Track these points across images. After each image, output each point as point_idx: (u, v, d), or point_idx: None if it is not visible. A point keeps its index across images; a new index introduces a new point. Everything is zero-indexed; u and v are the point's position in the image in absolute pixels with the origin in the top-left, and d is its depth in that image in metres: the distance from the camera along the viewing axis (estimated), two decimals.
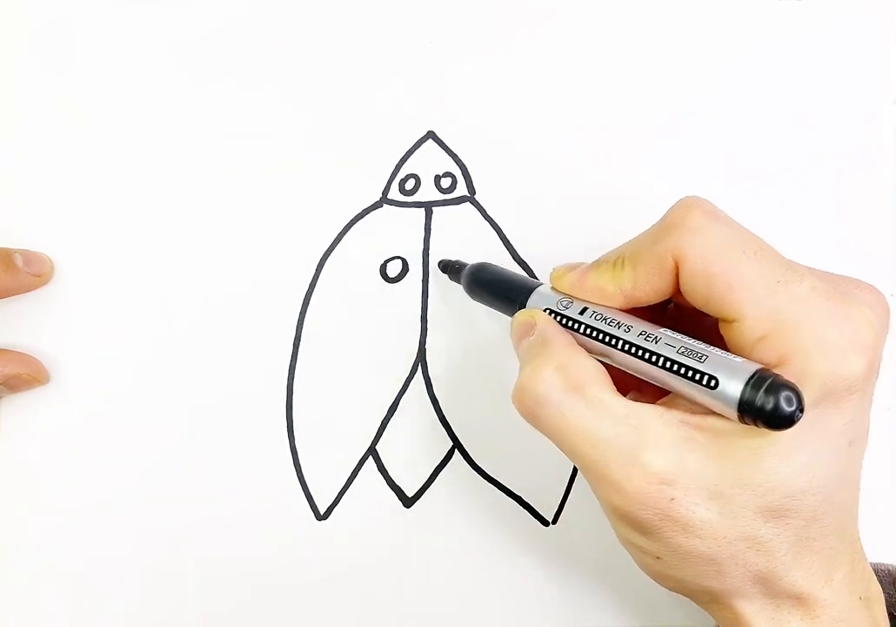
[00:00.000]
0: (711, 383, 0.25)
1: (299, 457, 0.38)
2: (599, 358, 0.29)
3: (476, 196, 0.39)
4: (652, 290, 0.28)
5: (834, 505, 0.27)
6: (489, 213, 0.39)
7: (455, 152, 0.39)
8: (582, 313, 0.30)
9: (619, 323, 0.28)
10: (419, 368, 0.39)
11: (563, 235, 0.39)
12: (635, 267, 0.28)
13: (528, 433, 0.38)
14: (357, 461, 0.39)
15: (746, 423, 0.25)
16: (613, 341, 0.28)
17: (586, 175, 0.39)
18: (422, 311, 0.39)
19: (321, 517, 0.38)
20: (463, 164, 0.39)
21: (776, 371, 0.25)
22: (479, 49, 0.39)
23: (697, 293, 0.27)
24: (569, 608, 0.38)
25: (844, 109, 0.39)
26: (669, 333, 0.27)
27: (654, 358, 0.27)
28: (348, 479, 0.39)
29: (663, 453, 0.26)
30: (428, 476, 0.39)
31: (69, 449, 0.38)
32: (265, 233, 0.39)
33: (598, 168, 0.39)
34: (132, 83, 0.39)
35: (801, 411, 0.24)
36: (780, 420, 0.24)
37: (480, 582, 0.38)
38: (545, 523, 0.38)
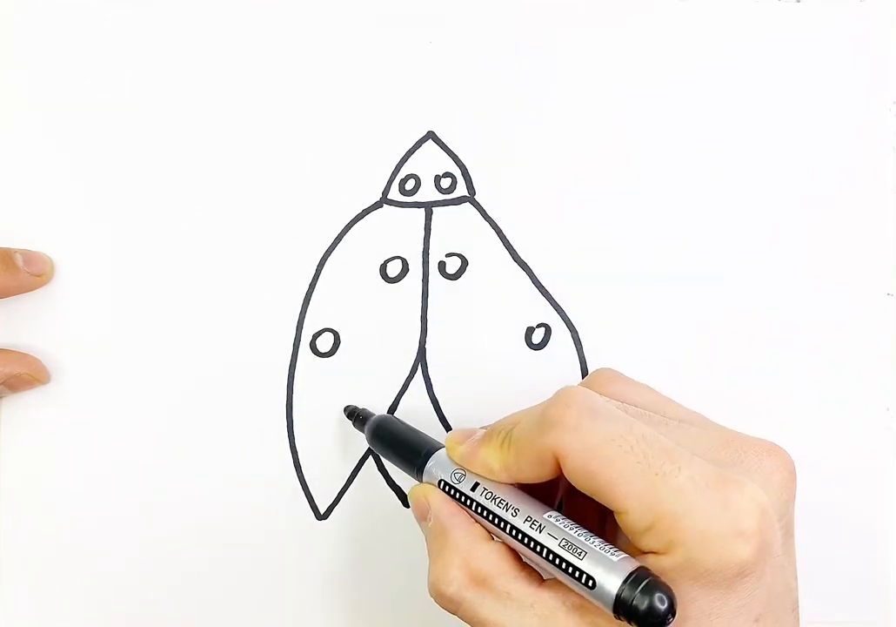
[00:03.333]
0: (589, 583, 0.26)
1: (299, 457, 0.39)
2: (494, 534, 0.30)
3: (476, 196, 0.39)
4: (535, 476, 0.29)
5: None
6: (489, 213, 0.39)
7: (455, 152, 0.39)
8: (474, 488, 0.30)
9: (507, 505, 0.29)
10: (419, 368, 0.39)
11: (563, 235, 0.39)
12: (518, 453, 0.29)
13: None
14: (357, 461, 0.39)
15: (621, 620, 0.25)
16: (501, 524, 0.29)
17: (586, 175, 0.39)
18: (422, 311, 0.39)
19: (321, 517, 0.38)
20: (463, 164, 0.39)
21: (663, 559, 0.26)
22: (479, 49, 0.39)
23: (581, 486, 0.27)
24: None
25: (845, 110, 0.39)
26: (555, 519, 0.28)
27: (537, 548, 0.27)
28: (348, 479, 0.39)
29: None
30: None
31: (69, 449, 0.38)
32: (265, 233, 0.39)
33: (598, 168, 0.39)
34: (131, 83, 0.39)
35: (673, 614, 0.25)
36: (652, 622, 0.24)
37: None
38: None
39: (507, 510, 0.29)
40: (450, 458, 0.31)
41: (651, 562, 0.26)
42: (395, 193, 0.39)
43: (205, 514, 0.38)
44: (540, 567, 0.28)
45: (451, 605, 0.29)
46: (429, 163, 0.39)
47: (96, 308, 0.39)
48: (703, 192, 0.39)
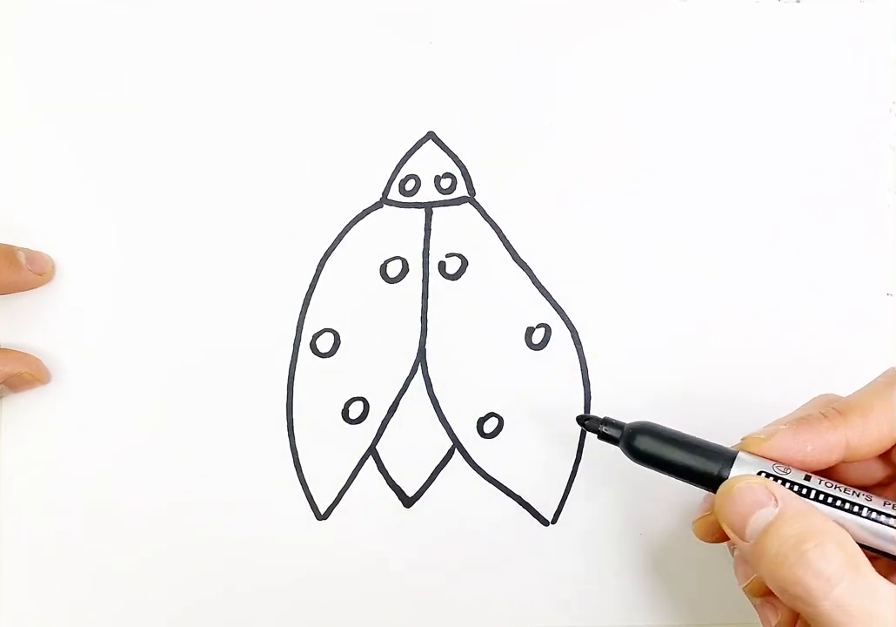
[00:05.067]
0: None
1: (299, 457, 0.39)
2: None
3: (476, 196, 0.39)
4: (879, 438, 0.28)
5: None
6: (489, 213, 0.39)
7: (455, 153, 0.39)
8: (807, 478, 0.28)
9: (854, 491, 0.28)
10: (419, 368, 0.39)
11: (563, 235, 0.39)
12: (865, 415, 0.29)
13: (528, 433, 0.39)
14: (357, 461, 0.39)
15: None
16: (857, 509, 0.27)
17: (586, 175, 0.39)
18: (422, 311, 0.39)
19: (321, 517, 0.38)
20: (463, 164, 0.39)
21: None
22: (479, 49, 0.39)
23: None
24: (569, 608, 0.38)
25: (844, 110, 0.39)
26: None
27: None
28: (348, 479, 0.39)
29: None
30: (428, 476, 0.39)
31: (70, 449, 0.38)
32: (265, 233, 0.39)
33: (599, 168, 0.39)
34: (132, 83, 0.39)
35: None
36: None
37: (480, 582, 0.38)
38: (545, 523, 0.39)
39: (858, 496, 0.27)
40: (754, 456, 0.30)
41: None
42: (395, 194, 0.39)
43: (205, 514, 0.38)
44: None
45: (823, 585, 0.26)
46: (429, 163, 0.39)
47: (96, 308, 0.39)
48: (703, 192, 0.39)
